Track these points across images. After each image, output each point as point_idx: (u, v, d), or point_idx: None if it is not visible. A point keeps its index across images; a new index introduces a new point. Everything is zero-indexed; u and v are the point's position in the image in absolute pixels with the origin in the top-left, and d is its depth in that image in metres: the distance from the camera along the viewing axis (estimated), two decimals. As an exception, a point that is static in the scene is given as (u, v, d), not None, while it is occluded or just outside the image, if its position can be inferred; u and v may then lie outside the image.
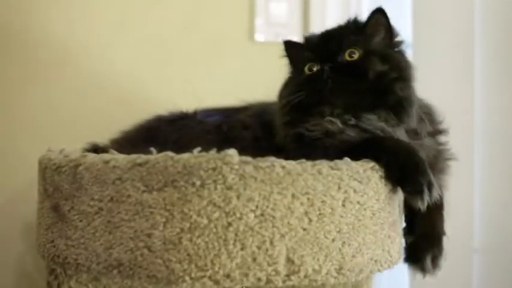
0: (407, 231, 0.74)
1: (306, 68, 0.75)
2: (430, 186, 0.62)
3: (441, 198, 0.75)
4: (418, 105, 0.73)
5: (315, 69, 0.74)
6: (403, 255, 0.73)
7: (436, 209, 0.74)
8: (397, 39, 0.77)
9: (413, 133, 0.72)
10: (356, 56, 0.72)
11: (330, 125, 0.69)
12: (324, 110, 0.70)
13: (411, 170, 0.62)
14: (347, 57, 0.72)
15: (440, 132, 0.77)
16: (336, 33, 0.77)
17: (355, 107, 0.69)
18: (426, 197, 0.61)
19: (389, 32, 0.76)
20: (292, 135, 0.72)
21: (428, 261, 0.71)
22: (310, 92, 0.71)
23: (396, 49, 0.76)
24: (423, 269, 0.72)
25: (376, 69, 0.70)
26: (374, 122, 0.69)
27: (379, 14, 0.75)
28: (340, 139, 0.68)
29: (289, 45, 0.83)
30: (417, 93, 0.75)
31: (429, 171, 0.63)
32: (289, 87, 0.77)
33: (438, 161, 0.74)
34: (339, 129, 0.68)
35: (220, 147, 0.57)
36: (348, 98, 0.70)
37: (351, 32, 0.75)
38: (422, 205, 0.61)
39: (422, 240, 0.73)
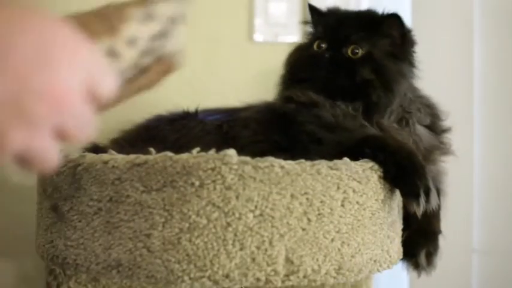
0: (403, 227, 0.74)
1: (315, 44, 0.79)
2: (427, 191, 0.61)
3: (439, 192, 0.75)
4: (416, 95, 0.78)
5: (322, 47, 0.78)
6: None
7: None
8: (411, 48, 0.79)
9: (404, 121, 0.75)
10: (357, 54, 0.76)
11: (314, 97, 0.75)
12: (312, 88, 0.76)
13: (408, 170, 0.62)
14: (349, 53, 0.76)
15: (442, 130, 0.77)
16: (352, 21, 0.79)
17: (336, 96, 0.74)
18: (422, 201, 0.61)
19: (403, 39, 0.78)
20: (283, 97, 0.80)
21: (422, 257, 0.72)
22: (308, 70, 0.78)
23: (402, 57, 0.77)
24: (417, 265, 0.72)
25: (363, 76, 0.74)
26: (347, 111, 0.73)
27: (394, 18, 0.77)
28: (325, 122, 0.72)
29: (313, 11, 0.86)
30: (420, 90, 0.79)
31: (428, 176, 0.62)
32: (297, 56, 0.83)
33: (431, 153, 0.75)
34: (322, 103, 0.74)
35: (220, 147, 0.57)
36: (333, 88, 0.75)
37: (364, 25, 0.78)
38: (418, 210, 0.61)
39: (417, 236, 0.73)
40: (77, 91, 0.33)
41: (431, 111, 0.78)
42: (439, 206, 0.76)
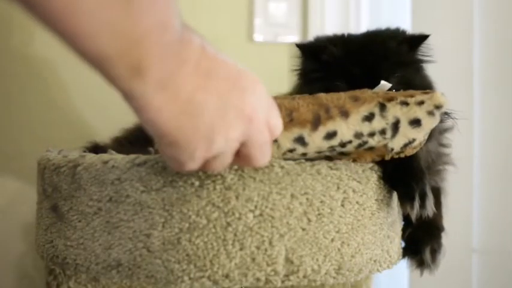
0: (405, 224, 0.73)
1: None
2: (423, 196, 0.61)
3: (440, 190, 0.75)
4: None
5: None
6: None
7: (435, 197, 0.73)
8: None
9: None
10: None
11: None
12: None
13: (405, 172, 0.62)
14: None
15: (444, 130, 0.76)
16: (378, 51, 0.71)
17: None
18: (416, 205, 0.60)
19: (404, 46, 0.73)
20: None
21: (427, 253, 0.70)
22: None
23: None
24: (422, 262, 0.71)
25: None
26: None
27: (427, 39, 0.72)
28: None
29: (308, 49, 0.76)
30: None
31: (426, 181, 0.62)
32: None
33: (436, 164, 0.73)
34: None
35: None
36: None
37: (393, 53, 0.71)
38: (412, 213, 0.61)
39: (421, 232, 0.72)
40: (261, 116, 0.47)
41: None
42: (441, 203, 0.75)
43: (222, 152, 0.46)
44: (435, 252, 0.71)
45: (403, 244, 0.73)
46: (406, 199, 0.61)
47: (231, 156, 0.48)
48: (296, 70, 0.78)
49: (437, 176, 0.75)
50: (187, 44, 0.41)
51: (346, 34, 0.77)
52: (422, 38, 0.73)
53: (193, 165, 0.46)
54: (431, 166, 0.71)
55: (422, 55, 0.74)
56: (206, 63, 0.43)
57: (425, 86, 0.72)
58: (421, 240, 0.71)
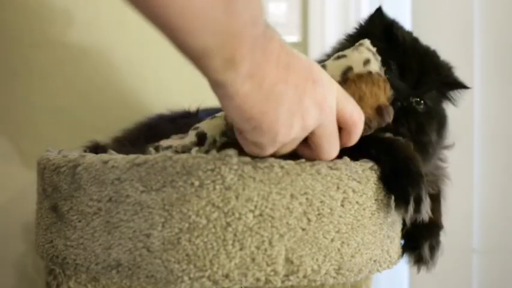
0: (404, 222, 0.72)
1: None
2: (418, 200, 0.60)
3: (439, 187, 0.75)
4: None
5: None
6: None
7: (433, 195, 0.73)
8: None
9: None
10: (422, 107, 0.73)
11: None
12: None
13: (402, 174, 0.61)
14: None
15: (445, 147, 0.77)
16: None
17: None
18: (411, 209, 0.60)
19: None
20: None
21: (426, 249, 0.70)
22: None
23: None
24: (420, 257, 0.71)
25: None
26: None
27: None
28: None
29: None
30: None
31: (423, 185, 0.61)
32: None
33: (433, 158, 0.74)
34: None
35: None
36: None
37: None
38: (406, 217, 0.61)
39: (419, 228, 0.71)
40: (329, 105, 0.52)
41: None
42: (440, 202, 0.75)
43: (296, 137, 0.52)
44: (433, 249, 0.71)
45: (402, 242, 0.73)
46: (400, 202, 0.61)
47: (298, 143, 0.54)
48: None
49: (435, 183, 0.75)
50: (270, 39, 0.47)
51: None
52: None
53: (272, 149, 0.52)
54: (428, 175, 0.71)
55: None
56: (285, 57, 0.48)
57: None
58: (420, 236, 0.71)
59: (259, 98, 0.47)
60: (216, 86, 0.46)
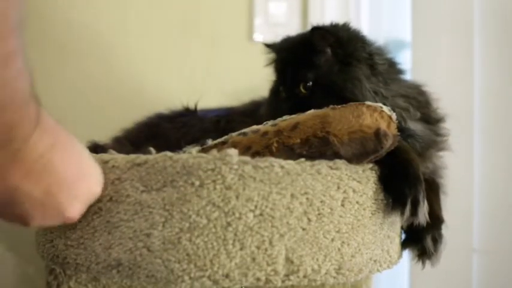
0: None
1: (281, 91, 0.79)
2: (415, 203, 0.60)
3: (436, 179, 0.74)
4: (396, 91, 0.74)
5: (282, 94, 0.78)
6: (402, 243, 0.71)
7: (433, 190, 0.72)
8: (356, 46, 0.76)
9: None
10: (309, 88, 0.75)
11: None
12: None
13: (401, 177, 0.61)
14: (302, 90, 0.76)
15: (436, 119, 0.75)
16: (293, 55, 0.79)
17: None
18: (407, 212, 0.59)
19: (340, 44, 0.75)
20: None
21: (429, 241, 0.69)
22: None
23: (348, 61, 0.75)
24: (424, 250, 0.70)
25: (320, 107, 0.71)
26: None
27: (315, 31, 0.75)
28: None
29: (268, 48, 0.86)
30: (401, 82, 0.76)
31: (421, 188, 0.61)
32: (268, 105, 0.82)
33: (427, 150, 0.72)
34: None
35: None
36: None
37: (303, 53, 0.76)
38: (401, 219, 0.61)
39: None
40: None
41: (418, 102, 0.75)
42: (439, 197, 0.75)
43: None
44: (436, 241, 0.70)
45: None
46: (397, 204, 0.61)
47: None
48: None
49: (429, 163, 0.74)
50: None
51: None
52: None
53: None
54: (421, 153, 0.70)
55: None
56: None
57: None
58: (422, 229, 0.69)
59: None
60: None
